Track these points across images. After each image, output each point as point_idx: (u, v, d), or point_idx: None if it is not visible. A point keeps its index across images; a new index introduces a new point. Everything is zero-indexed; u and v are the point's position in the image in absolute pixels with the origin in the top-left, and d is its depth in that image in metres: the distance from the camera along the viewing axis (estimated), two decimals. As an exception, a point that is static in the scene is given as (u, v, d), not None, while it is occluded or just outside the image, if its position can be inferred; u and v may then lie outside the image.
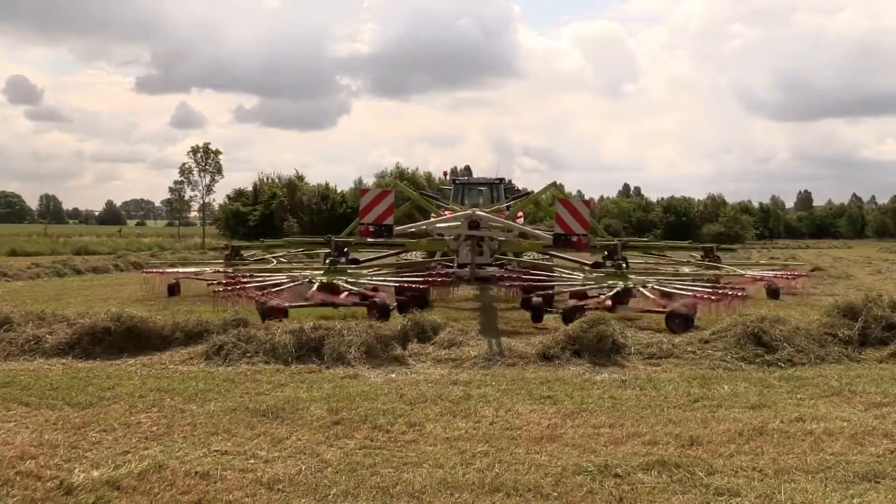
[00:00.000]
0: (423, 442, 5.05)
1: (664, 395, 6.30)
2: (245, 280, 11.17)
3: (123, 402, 6.05)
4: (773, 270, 16.16)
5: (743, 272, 14.94)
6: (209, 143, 49.75)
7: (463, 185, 20.18)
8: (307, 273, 11.54)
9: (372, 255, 13.47)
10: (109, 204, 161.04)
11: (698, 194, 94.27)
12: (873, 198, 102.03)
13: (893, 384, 6.69)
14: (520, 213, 16.56)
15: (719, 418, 5.59)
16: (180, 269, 16.23)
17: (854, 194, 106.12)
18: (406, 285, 10.87)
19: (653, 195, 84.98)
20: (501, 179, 20.00)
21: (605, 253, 11.73)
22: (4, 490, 4.10)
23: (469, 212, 12.92)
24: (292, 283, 10.97)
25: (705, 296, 10.12)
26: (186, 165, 48.63)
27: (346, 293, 10.41)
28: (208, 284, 12.00)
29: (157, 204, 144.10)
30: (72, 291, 15.88)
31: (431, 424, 5.44)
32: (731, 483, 4.22)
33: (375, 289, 10.72)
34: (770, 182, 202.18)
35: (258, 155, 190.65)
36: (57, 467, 4.48)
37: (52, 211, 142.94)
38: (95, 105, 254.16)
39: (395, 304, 10.62)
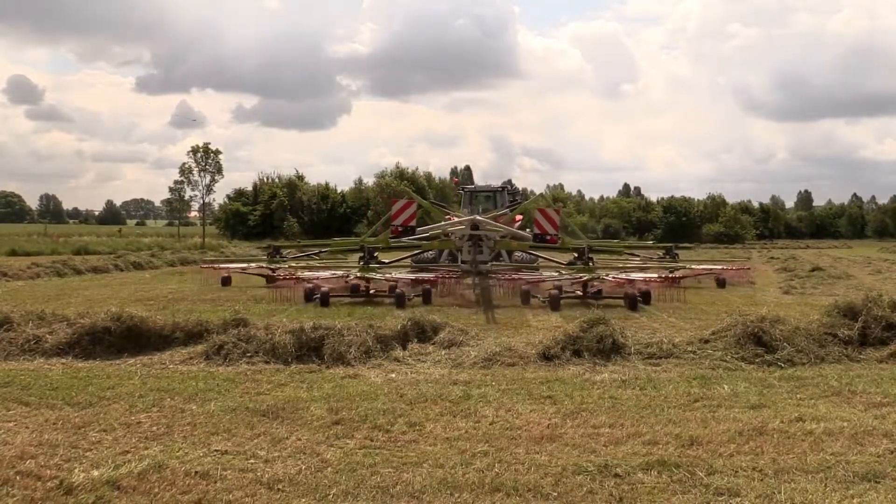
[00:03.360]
0: (423, 442, 5.05)
1: (664, 395, 6.29)
2: (298, 274, 14.77)
3: (123, 402, 6.05)
4: (721, 265, 19.53)
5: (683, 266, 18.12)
6: (209, 143, 49.50)
7: (471, 192, 23.95)
8: (346, 270, 15.16)
9: (395, 258, 16.70)
10: (109, 204, 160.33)
11: (698, 194, 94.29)
12: (873, 198, 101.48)
13: (893, 384, 6.69)
14: (518, 217, 19.49)
15: (719, 418, 5.58)
16: (232, 265, 19.36)
17: (854, 194, 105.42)
18: (422, 280, 14.17)
19: (653, 195, 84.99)
20: (505, 187, 23.89)
21: (576, 254, 14.62)
22: (4, 490, 4.10)
23: (472, 217, 16.08)
24: (335, 277, 14.37)
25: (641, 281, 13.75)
26: (186, 165, 48.40)
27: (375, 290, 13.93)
28: (270, 276, 15.66)
29: (157, 204, 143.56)
30: (72, 291, 15.88)
31: (431, 424, 5.44)
32: (731, 483, 4.22)
33: (396, 283, 13.79)
34: (770, 182, 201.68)
35: (258, 155, 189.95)
36: (57, 467, 4.48)
37: (52, 211, 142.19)
38: (96, 105, 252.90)
39: (414, 293, 13.55)
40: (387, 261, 16.02)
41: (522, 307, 12.88)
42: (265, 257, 18.44)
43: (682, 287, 14.39)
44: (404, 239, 16.19)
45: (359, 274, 14.23)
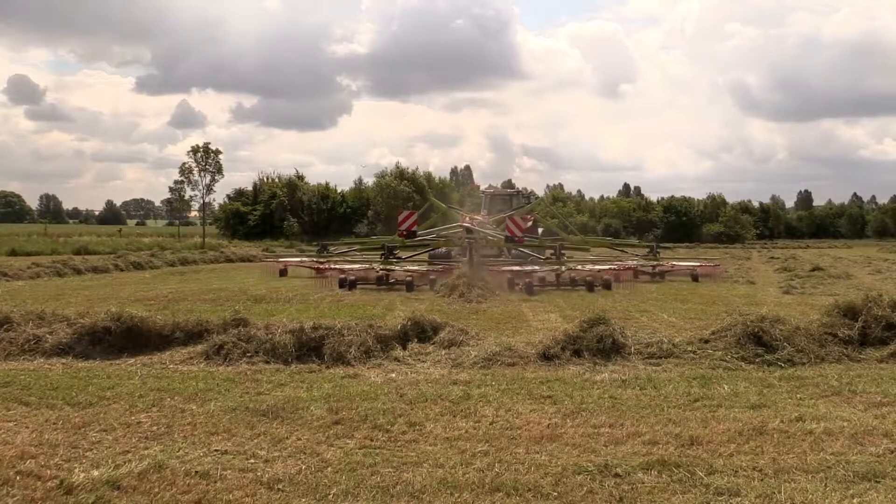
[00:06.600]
0: (423, 441, 5.05)
1: (664, 395, 6.28)
2: (334, 266, 19.48)
3: (123, 402, 6.04)
4: (695, 261, 22.73)
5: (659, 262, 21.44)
6: (209, 143, 49.33)
7: (490, 195, 28.08)
8: (371, 264, 19.17)
9: (410, 254, 20.77)
10: (109, 203, 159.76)
11: (698, 194, 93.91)
12: (873, 197, 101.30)
13: (893, 384, 6.67)
14: (526, 217, 22.91)
15: (719, 418, 5.57)
16: (288, 259, 23.67)
17: (854, 194, 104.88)
18: (431, 270, 18.29)
19: (653, 195, 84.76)
20: (520, 191, 28.91)
21: (553, 250, 19.35)
22: (4, 490, 4.09)
23: (466, 224, 20.59)
24: (362, 268, 18.68)
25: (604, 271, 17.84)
26: (187, 165, 48.22)
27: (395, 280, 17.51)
28: (318, 267, 20.20)
29: (158, 204, 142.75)
30: (72, 291, 15.89)
31: (431, 424, 5.43)
32: (731, 483, 4.21)
33: (408, 273, 17.54)
34: (770, 182, 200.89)
35: (258, 155, 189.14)
36: (57, 467, 4.47)
37: (52, 210, 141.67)
38: (96, 105, 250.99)
39: (422, 282, 17.01)
40: (403, 256, 20.08)
41: (520, 304, 13.76)
42: (315, 253, 22.97)
43: (632, 279, 18.78)
44: (416, 239, 20.21)
45: (378, 266, 18.21)
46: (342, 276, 17.55)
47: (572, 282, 17.39)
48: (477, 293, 13.97)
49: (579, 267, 18.37)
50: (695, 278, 19.73)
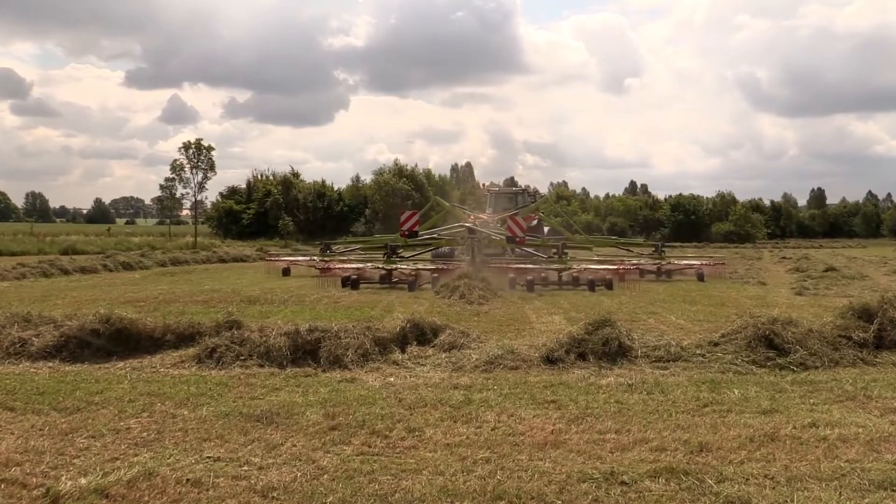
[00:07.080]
0: (422, 448, 4.96)
1: (672, 400, 6.17)
2: (336, 265, 19.62)
3: (112, 407, 5.95)
4: (700, 260, 22.69)
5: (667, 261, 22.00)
6: (201, 139, 48.89)
7: (496, 193, 28.53)
8: (374, 263, 19.30)
9: (412, 253, 20.97)
10: (98, 202, 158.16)
11: (707, 192, 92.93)
12: (889, 195, 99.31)
13: (909, 388, 6.57)
14: (531, 216, 24.19)
15: (729, 424, 5.47)
16: (291, 258, 24.09)
17: (869, 191, 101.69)
18: (433, 268, 18.56)
19: (660, 193, 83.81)
20: (525, 189, 29.31)
21: (555, 250, 19.37)
22: (-13, 498, 4.00)
23: (468, 223, 20.71)
24: (365, 267, 18.80)
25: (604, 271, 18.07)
26: (178, 162, 47.74)
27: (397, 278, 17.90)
28: (321, 267, 20.08)
29: (148, 202, 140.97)
30: (59, 292, 15.74)
31: (431, 430, 5.35)
32: (741, 491, 4.12)
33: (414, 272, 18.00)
34: (781, 179, 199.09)
35: (252, 151, 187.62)
36: (43, 474, 4.41)
37: (38, 209, 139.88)
38: (84, 100, 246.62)
39: (424, 281, 17.38)
40: (406, 255, 20.39)
41: (522, 305, 13.63)
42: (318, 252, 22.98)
43: (633, 278, 19.03)
44: (418, 239, 20.56)
45: (382, 265, 18.52)
46: (345, 274, 18.01)
47: (574, 280, 17.74)
48: (478, 294, 13.88)
49: (583, 266, 18.77)
50: (700, 278, 19.78)
